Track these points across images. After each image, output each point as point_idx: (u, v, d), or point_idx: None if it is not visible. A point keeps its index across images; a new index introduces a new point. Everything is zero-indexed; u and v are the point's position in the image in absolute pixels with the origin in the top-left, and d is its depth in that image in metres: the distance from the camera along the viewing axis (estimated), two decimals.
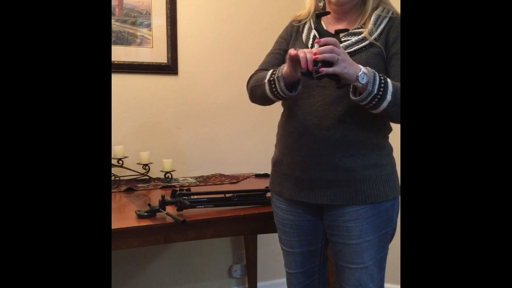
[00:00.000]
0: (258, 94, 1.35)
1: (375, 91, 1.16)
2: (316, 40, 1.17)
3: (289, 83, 1.24)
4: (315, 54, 1.12)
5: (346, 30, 1.25)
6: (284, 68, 1.23)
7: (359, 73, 1.13)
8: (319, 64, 1.12)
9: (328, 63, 1.11)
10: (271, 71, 1.31)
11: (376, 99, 1.16)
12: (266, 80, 1.29)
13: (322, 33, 1.18)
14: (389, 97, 1.16)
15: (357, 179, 1.26)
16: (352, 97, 1.19)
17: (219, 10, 2.35)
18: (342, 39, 1.29)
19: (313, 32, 1.35)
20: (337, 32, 1.18)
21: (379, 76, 1.17)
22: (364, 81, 1.14)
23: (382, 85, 1.16)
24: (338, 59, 1.10)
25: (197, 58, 2.32)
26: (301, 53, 1.14)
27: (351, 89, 1.20)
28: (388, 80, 1.19)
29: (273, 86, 1.27)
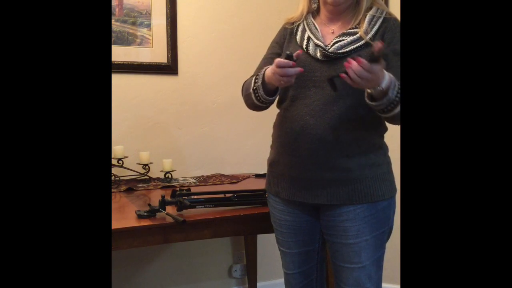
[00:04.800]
0: (250, 103, 1.41)
1: (393, 96, 1.15)
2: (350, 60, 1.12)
3: (271, 89, 1.31)
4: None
5: (385, 56, 1.15)
6: (269, 78, 1.26)
7: (376, 88, 1.13)
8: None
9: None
10: (253, 79, 1.35)
11: (393, 104, 1.17)
12: (251, 90, 1.35)
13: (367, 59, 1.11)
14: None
15: (354, 179, 1.26)
16: (368, 102, 1.19)
17: (219, 10, 2.35)
18: (336, 39, 1.29)
19: (307, 33, 1.35)
20: (375, 58, 1.11)
21: (398, 84, 1.16)
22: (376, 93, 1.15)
23: (399, 93, 1.16)
24: (353, 79, 1.10)
25: (197, 58, 2.32)
26: (276, 77, 1.20)
27: (366, 95, 1.20)
28: None
29: (256, 94, 1.34)
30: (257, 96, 1.34)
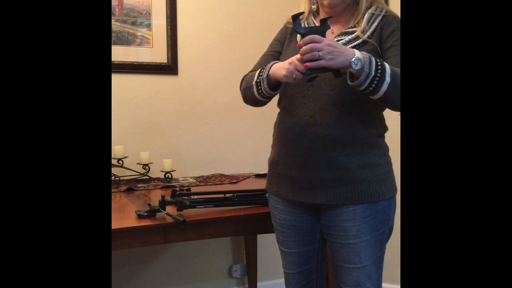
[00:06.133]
0: (249, 96, 1.39)
1: (373, 72, 1.14)
2: (297, 45, 1.17)
3: (274, 84, 1.29)
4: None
5: (330, 17, 1.24)
6: (279, 73, 1.24)
7: (353, 59, 1.13)
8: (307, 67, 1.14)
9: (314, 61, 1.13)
10: (257, 72, 1.34)
11: (376, 81, 1.14)
12: (253, 82, 1.33)
13: (302, 32, 1.16)
14: (388, 78, 1.15)
15: (354, 179, 1.26)
16: (350, 83, 1.17)
17: (219, 10, 2.35)
18: (336, 39, 1.30)
19: None
20: (322, 21, 1.17)
21: (375, 59, 1.16)
22: (357, 67, 1.13)
23: (379, 67, 1.15)
24: (319, 55, 1.11)
25: (197, 58, 2.32)
26: (292, 67, 1.17)
27: (348, 76, 1.18)
28: (385, 63, 1.18)
29: (259, 87, 1.31)
30: (259, 89, 1.32)
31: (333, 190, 1.27)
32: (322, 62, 1.11)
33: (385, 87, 1.15)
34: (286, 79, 1.20)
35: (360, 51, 1.24)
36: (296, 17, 1.17)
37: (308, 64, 1.13)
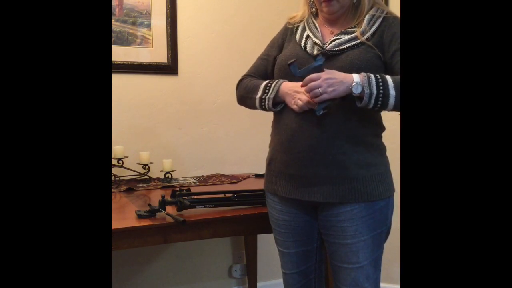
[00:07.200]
0: (248, 104, 1.44)
1: (375, 91, 1.17)
2: (300, 85, 1.24)
3: (277, 102, 1.34)
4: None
5: (323, 51, 1.29)
6: (288, 102, 1.30)
7: (353, 85, 1.18)
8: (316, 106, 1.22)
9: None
10: (263, 87, 1.37)
11: (381, 98, 1.18)
12: (257, 97, 1.37)
13: (300, 75, 1.23)
14: (392, 92, 1.18)
15: (351, 177, 1.26)
16: (358, 105, 1.21)
17: (219, 10, 2.35)
18: (334, 37, 1.30)
19: (306, 32, 1.37)
20: (315, 57, 1.24)
21: (375, 76, 1.18)
22: (359, 91, 1.18)
23: (381, 83, 1.18)
24: (320, 91, 1.18)
25: (197, 58, 2.32)
26: (301, 105, 1.25)
27: (355, 99, 1.22)
28: (386, 76, 1.20)
29: (263, 103, 1.36)
30: (262, 105, 1.37)
31: (330, 188, 1.27)
32: (324, 96, 1.18)
33: (392, 100, 1.19)
34: (298, 111, 1.27)
35: (359, 49, 1.26)
36: (291, 64, 1.24)
37: (315, 100, 1.20)
